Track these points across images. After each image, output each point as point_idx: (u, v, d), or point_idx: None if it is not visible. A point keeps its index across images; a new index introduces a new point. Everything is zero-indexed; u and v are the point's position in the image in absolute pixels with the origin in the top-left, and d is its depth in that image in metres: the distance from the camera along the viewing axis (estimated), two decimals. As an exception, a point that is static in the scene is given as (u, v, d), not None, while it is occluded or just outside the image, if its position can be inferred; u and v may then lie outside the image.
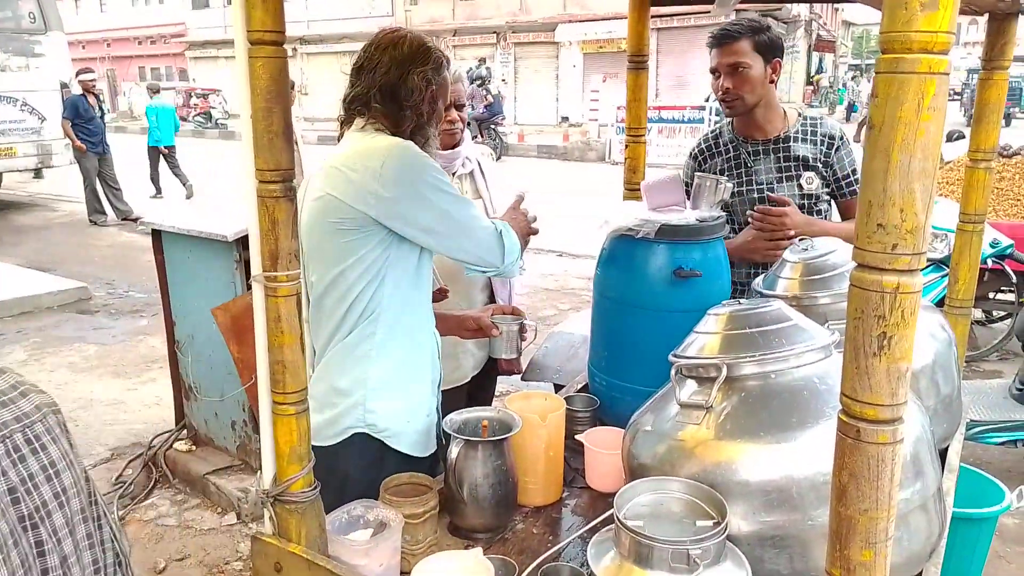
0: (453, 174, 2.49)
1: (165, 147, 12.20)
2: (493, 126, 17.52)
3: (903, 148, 0.74)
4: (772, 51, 2.35)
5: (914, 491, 1.23)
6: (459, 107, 2.43)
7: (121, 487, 3.65)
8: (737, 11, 3.29)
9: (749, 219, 2.38)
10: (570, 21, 25.99)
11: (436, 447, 1.90)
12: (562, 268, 7.84)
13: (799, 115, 2.46)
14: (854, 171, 2.43)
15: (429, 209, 1.70)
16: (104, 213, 10.78)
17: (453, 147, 2.43)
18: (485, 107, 17.33)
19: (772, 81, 2.39)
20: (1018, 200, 5.02)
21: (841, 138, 2.42)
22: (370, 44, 1.81)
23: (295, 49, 32.69)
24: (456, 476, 1.56)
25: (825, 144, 2.40)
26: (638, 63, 2.35)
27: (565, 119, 26.15)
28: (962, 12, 1.91)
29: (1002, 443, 3.50)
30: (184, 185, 12.32)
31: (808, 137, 2.41)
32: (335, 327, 1.78)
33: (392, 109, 1.77)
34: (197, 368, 3.70)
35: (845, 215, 2.49)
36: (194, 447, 3.85)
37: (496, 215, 2.63)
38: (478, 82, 17.55)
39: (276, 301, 1.25)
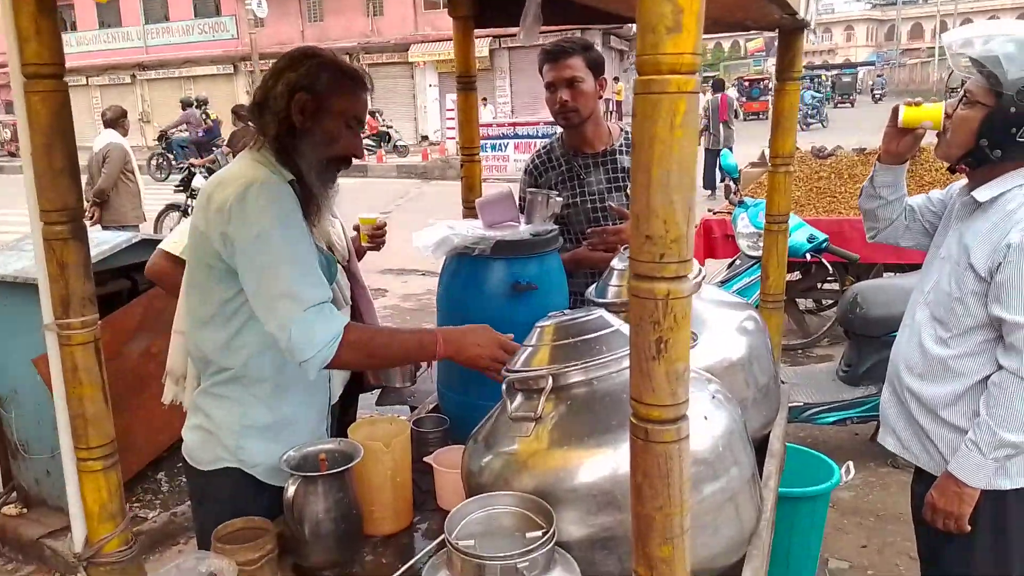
0: None
1: None
2: (213, 148, 17.57)
3: (660, 163, 0.79)
4: (599, 69, 2.49)
5: (728, 479, 1.29)
6: None
7: (-59, 563, 3.29)
8: (564, 31, 3.40)
9: (585, 232, 2.47)
10: (423, 41, 26.10)
11: None
12: (425, 287, 7.82)
13: (621, 130, 2.59)
14: None
15: (248, 258, 1.58)
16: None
17: None
18: (204, 131, 17.85)
19: (600, 96, 2.51)
20: (834, 197, 5.48)
21: None
22: None
23: (134, 76, 31.04)
24: (295, 514, 1.51)
25: None
26: (467, 84, 2.38)
27: (425, 138, 26.17)
28: (755, 29, 2.07)
29: (833, 422, 3.78)
30: None
31: (630, 150, 2.54)
32: (205, 360, 1.74)
33: (258, 116, 1.70)
34: (23, 424, 3.39)
35: None
36: (25, 509, 3.52)
37: (351, 235, 2.62)
38: (196, 107, 18.20)
39: (71, 351, 1.17)
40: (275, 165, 1.68)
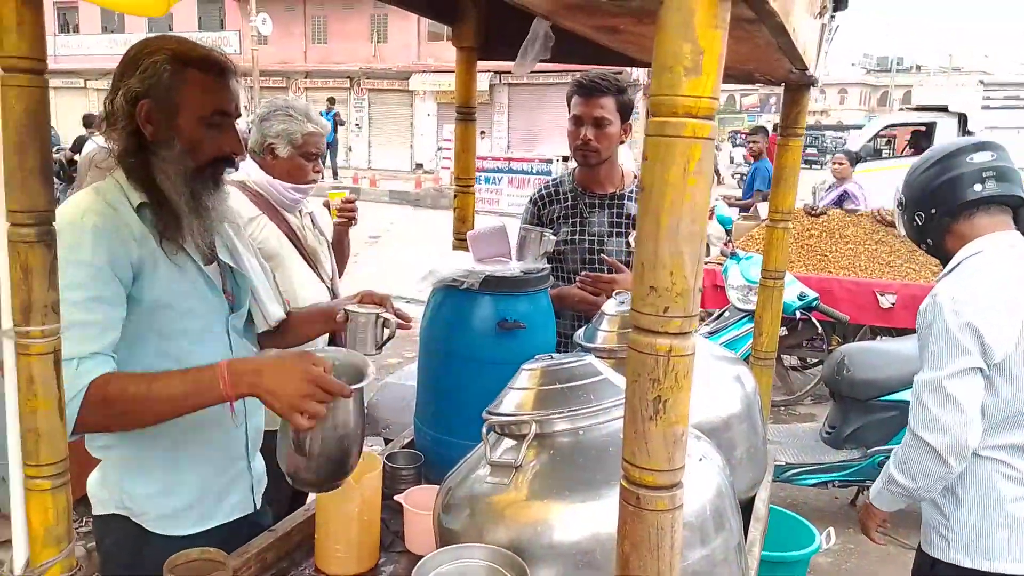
0: (300, 211, 2.49)
1: None
2: None
3: (671, 211, 0.74)
4: (627, 113, 2.46)
5: (715, 546, 1.23)
6: (311, 156, 2.38)
7: None
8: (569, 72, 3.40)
9: (578, 271, 2.43)
10: (424, 71, 26.31)
11: (251, 514, 1.75)
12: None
13: (635, 176, 2.56)
14: None
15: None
16: None
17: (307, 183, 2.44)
18: None
19: (622, 141, 2.48)
20: (824, 256, 5.48)
21: None
22: None
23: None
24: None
25: None
26: (466, 115, 2.35)
27: (419, 166, 26.26)
28: (762, 82, 2.05)
29: (814, 484, 3.72)
30: None
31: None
32: None
33: (108, 131, 1.49)
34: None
35: None
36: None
37: (332, 260, 2.57)
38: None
39: (28, 360, 1.09)
40: (123, 188, 1.48)
